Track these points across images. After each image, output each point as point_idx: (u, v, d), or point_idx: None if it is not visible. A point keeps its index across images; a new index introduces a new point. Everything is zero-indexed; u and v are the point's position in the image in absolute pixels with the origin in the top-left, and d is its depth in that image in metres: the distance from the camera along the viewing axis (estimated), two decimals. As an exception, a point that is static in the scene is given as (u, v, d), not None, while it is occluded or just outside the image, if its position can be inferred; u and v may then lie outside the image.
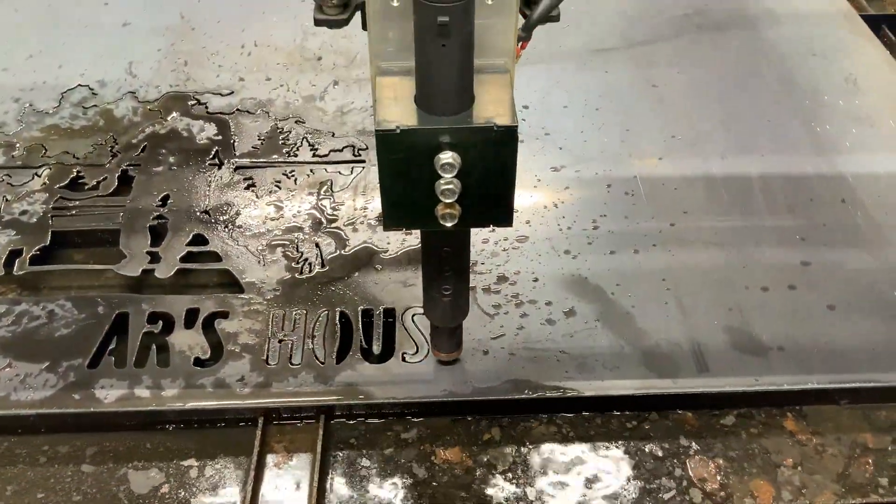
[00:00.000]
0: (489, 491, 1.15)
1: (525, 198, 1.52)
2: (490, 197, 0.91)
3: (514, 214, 1.43)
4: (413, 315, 1.32)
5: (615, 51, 1.88)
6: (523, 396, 1.22)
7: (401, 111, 0.86)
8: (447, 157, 0.85)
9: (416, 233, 1.45)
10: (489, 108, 0.86)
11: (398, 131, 0.85)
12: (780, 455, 1.19)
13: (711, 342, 1.28)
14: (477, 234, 1.45)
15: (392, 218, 0.93)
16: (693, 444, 1.20)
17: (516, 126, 0.86)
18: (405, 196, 0.90)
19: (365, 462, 1.18)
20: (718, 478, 1.16)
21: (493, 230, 1.46)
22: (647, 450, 1.19)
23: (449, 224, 0.91)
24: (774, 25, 1.95)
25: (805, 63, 1.83)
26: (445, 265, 1.04)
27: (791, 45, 1.89)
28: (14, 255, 1.41)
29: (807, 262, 1.40)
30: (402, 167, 0.88)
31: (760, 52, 1.87)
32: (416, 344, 1.28)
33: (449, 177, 0.87)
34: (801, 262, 1.40)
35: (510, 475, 1.17)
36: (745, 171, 1.57)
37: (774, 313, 1.33)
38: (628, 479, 1.16)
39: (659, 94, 1.75)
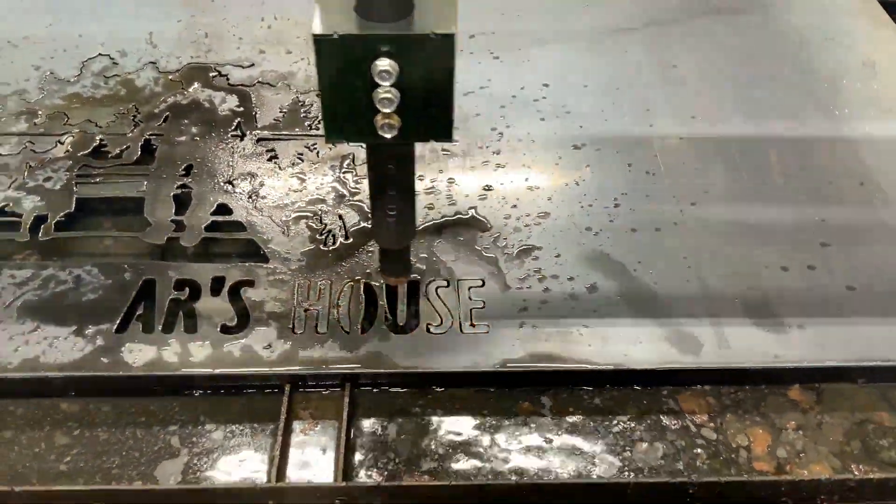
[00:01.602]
0: (510, 460, 1.17)
1: (546, 175, 1.53)
2: (429, 108, 0.91)
3: (536, 190, 1.50)
4: (437, 287, 1.33)
5: (633, 31, 1.88)
6: (546, 368, 1.23)
7: (340, 18, 0.86)
8: (384, 64, 0.86)
9: (440, 206, 1.47)
10: (429, 17, 0.86)
11: (336, 37, 0.85)
12: (784, 419, 1.22)
13: (732, 320, 1.30)
14: (499, 210, 1.46)
15: (332, 130, 0.93)
16: (709, 415, 1.22)
17: (454, 34, 0.86)
18: (345, 106, 0.90)
19: (389, 431, 1.20)
20: (729, 447, 1.18)
21: (515, 206, 1.47)
22: (665, 422, 1.21)
23: (388, 136, 0.91)
24: (790, 9, 1.96)
25: (822, 47, 1.84)
26: (391, 184, 1.04)
27: (808, 30, 1.89)
28: (39, 220, 1.41)
29: (826, 243, 1.42)
30: (340, 75, 0.88)
31: (777, 36, 1.88)
32: (440, 315, 1.29)
33: (386, 84, 0.87)
34: (820, 244, 1.42)
35: (531, 445, 1.19)
36: (764, 154, 1.58)
37: (794, 293, 1.34)
38: (646, 451, 1.18)
39: (678, 75, 1.76)
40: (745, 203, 1.48)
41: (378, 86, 0.87)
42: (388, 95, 0.88)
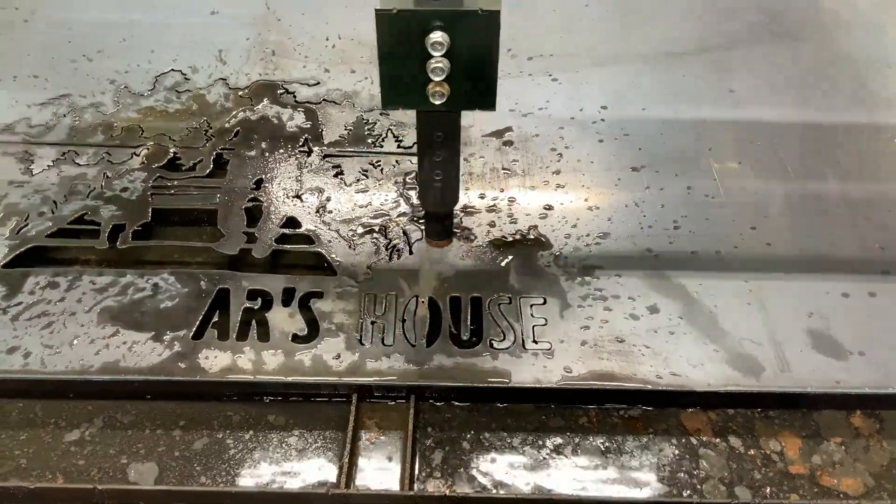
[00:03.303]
0: (572, 476, 1.19)
1: (606, 195, 1.56)
2: (476, 79, 1.02)
3: (596, 211, 1.53)
4: (499, 304, 1.36)
5: (690, 55, 1.90)
6: (608, 386, 1.25)
7: None
8: (437, 36, 0.97)
9: (501, 224, 1.50)
10: None
11: (395, 12, 0.96)
12: (832, 432, 1.24)
13: (793, 344, 1.31)
14: (560, 229, 1.49)
15: (389, 97, 1.04)
16: (770, 439, 1.23)
17: (498, 10, 0.96)
18: (400, 75, 1.01)
19: (452, 443, 1.23)
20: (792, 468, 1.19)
21: (575, 226, 1.50)
22: (728, 444, 1.22)
23: (438, 102, 1.02)
24: (849, 34, 1.96)
25: (880, 72, 1.84)
26: (438, 151, 1.14)
27: (866, 54, 1.89)
28: (117, 229, 1.47)
29: (887, 270, 1.42)
30: (398, 46, 0.99)
31: (835, 61, 1.88)
32: (502, 331, 1.32)
33: (438, 55, 0.98)
34: (881, 271, 1.42)
35: (592, 463, 1.21)
36: (823, 179, 1.59)
37: (855, 319, 1.35)
38: (708, 473, 1.19)
39: (736, 98, 1.77)
40: (805, 228, 1.50)
41: (431, 56, 0.98)
42: (440, 65, 0.99)
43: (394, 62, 1.00)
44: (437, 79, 1.00)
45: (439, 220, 1.28)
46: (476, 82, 1.02)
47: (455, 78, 1.00)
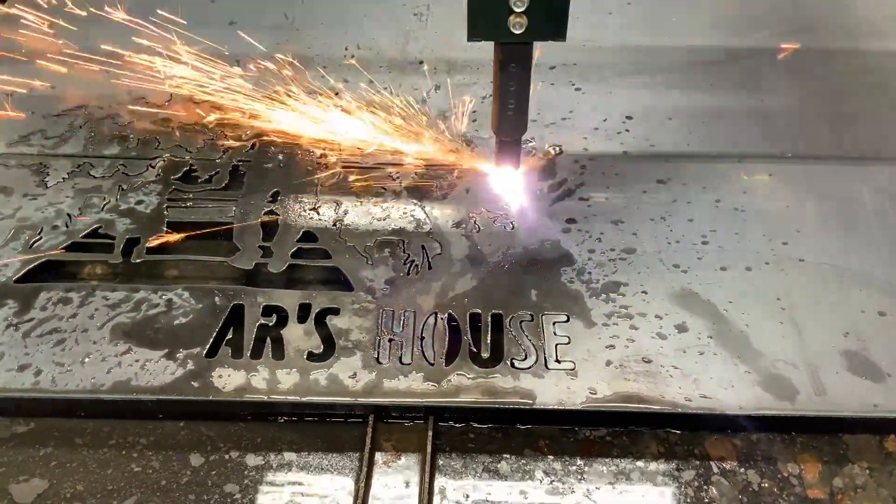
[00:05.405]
0: (595, 500, 1.14)
1: (632, 209, 1.51)
2: (550, 11, 1.15)
3: (621, 225, 1.48)
4: (521, 321, 1.32)
5: (719, 64, 1.85)
6: (634, 409, 1.20)
7: None
8: None
9: (523, 238, 1.45)
10: None
11: None
12: (860, 456, 1.19)
13: (828, 365, 1.25)
14: (583, 244, 1.44)
15: (475, 28, 1.17)
16: (805, 467, 1.18)
17: None
18: (485, 9, 1.15)
19: (472, 465, 1.19)
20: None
21: (600, 240, 1.45)
22: (758, 471, 1.17)
23: (518, 31, 1.16)
24: (881, 45, 1.91)
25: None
26: (512, 81, 1.26)
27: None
28: (131, 243, 1.44)
29: (926, 288, 1.36)
30: None
31: (868, 71, 1.83)
32: (524, 350, 1.28)
33: None
34: (919, 288, 1.37)
35: (614, 487, 1.16)
36: (858, 192, 1.54)
37: (893, 339, 1.29)
38: (735, 498, 1.14)
39: (766, 109, 1.72)
40: (839, 243, 1.44)
41: None
42: None
43: None
44: (518, 10, 1.13)
45: (510, 146, 1.39)
46: (551, 14, 1.15)
47: (533, 10, 1.13)
